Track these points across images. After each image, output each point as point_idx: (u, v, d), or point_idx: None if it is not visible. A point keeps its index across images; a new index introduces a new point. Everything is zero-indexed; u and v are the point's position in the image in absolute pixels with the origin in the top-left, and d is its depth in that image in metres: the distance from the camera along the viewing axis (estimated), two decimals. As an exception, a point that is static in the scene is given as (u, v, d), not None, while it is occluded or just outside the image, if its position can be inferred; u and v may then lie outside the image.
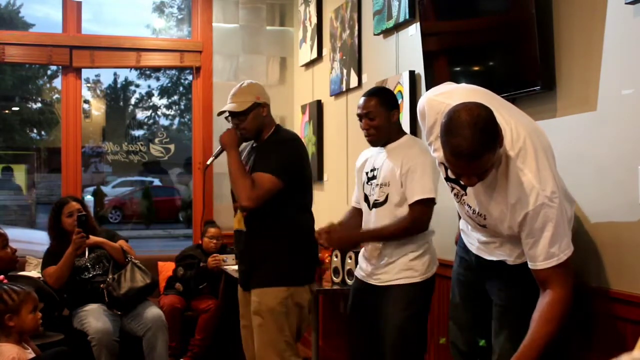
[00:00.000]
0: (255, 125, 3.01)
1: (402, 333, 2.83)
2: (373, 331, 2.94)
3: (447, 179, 2.25)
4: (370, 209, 2.95)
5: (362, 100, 2.96)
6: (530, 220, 2.00)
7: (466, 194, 2.19)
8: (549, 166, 2.03)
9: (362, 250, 3.07)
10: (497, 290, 2.27)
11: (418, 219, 2.80)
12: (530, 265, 2.06)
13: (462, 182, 2.13)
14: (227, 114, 3.02)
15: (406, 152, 2.88)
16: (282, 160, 2.95)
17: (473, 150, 1.88)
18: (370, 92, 2.98)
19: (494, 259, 2.27)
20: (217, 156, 3.15)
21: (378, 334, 2.92)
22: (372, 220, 2.93)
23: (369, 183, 2.97)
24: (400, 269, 2.86)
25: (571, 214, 2.16)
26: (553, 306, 2.00)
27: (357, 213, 3.06)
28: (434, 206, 2.84)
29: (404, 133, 3.03)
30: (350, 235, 2.91)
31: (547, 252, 2.00)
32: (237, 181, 2.91)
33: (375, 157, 2.99)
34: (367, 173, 3.00)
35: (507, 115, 2.08)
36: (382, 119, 2.90)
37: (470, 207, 2.19)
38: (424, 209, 2.80)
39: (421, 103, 2.26)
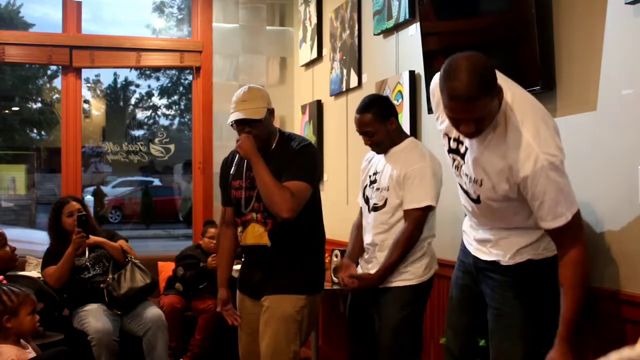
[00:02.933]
0: (267, 132, 2.85)
1: (396, 334, 2.84)
2: (371, 333, 2.95)
3: (449, 150, 2.27)
4: (370, 212, 2.97)
5: (357, 116, 2.92)
6: (531, 184, 2.01)
7: (464, 162, 2.19)
8: (547, 129, 2.03)
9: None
10: (491, 292, 2.27)
11: (415, 228, 2.82)
12: (542, 225, 2.07)
13: (460, 135, 2.15)
14: (232, 122, 2.82)
15: (406, 156, 2.89)
16: (309, 166, 2.85)
17: (469, 92, 1.93)
18: (363, 107, 2.91)
19: (489, 259, 2.27)
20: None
21: (374, 335, 2.93)
22: (371, 222, 2.95)
23: (371, 186, 2.99)
24: (398, 271, 2.87)
25: None
26: (575, 270, 2.03)
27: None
28: (428, 211, 2.85)
29: (406, 136, 3.03)
30: (371, 279, 2.88)
31: (554, 212, 2.02)
32: (274, 192, 2.70)
33: (378, 160, 3.00)
34: (370, 176, 3.01)
35: (511, 85, 2.12)
36: (381, 132, 2.90)
37: (467, 176, 2.19)
38: (418, 217, 2.82)
39: (434, 80, 2.31)
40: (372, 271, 2.94)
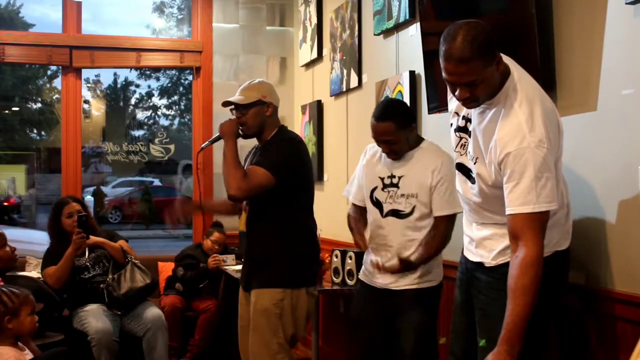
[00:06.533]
0: (255, 122, 3.00)
1: (420, 335, 2.83)
2: (383, 335, 2.92)
3: (457, 129, 2.27)
4: (384, 216, 2.86)
5: (374, 123, 2.77)
6: (511, 162, 2.00)
7: (469, 137, 2.20)
8: (543, 120, 2.02)
9: (371, 253, 2.94)
10: (478, 293, 2.26)
11: (448, 233, 2.79)
12: (507, 211, 2.02)
13: (469, 113, 2.16)
14: (232, 105, 3.03)
15: (435, 161, 2.80)
16: (278, 158, 2.94)
17: (463, 52, 1.97)
18: (384, 115, 2.76)
19: (475, 259, 2.27)
20: (212, 142, 3.16)
21: (389, 337, 2.90)
22: (392, 229, 2.84)
23: (385, 189, 2.87)
24: (421, 273, 2.83)
25: (567, 200, 2.16)
26: (527, 271, 1.95)
27: (362, 212, 2.99)
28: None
29: (421, 138, 2.94)
30: (408, 265, 2.79)
31: (524, 197, 1.98)
32: (229, 170, 2.89)
33: (390, 162, 2.88)
34: (382, 179, 2.89)
35: (523, 72, 2.12)
36: (402, 141, 2.79)
37: (470, 154, 2.19)
38: (451, 222, 2.79)
39: None
40: (386, 278, 2.87)
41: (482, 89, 2.03)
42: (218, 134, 3.04)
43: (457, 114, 2.28)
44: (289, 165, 2.95)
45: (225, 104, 3.04)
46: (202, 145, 3.22)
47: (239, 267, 3.32)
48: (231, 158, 2.91)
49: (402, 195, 2.83)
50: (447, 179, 2.75)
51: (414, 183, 2.81)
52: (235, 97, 3.01)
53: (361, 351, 3.09)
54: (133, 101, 8.62)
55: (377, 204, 2.90)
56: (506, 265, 2.10)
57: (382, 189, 2.88)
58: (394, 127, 2.75)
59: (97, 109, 7.15)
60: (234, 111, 3.05)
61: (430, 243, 2.78)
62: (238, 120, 3.01)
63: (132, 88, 8.57)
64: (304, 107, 5.27)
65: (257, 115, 3.00)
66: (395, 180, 2.85)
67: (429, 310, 2.87)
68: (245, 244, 3.10)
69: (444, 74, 2.05)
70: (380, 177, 2.90)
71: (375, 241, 2.91)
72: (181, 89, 8.42)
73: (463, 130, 2.24)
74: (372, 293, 2.96)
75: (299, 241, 3.04)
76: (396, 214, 2.84)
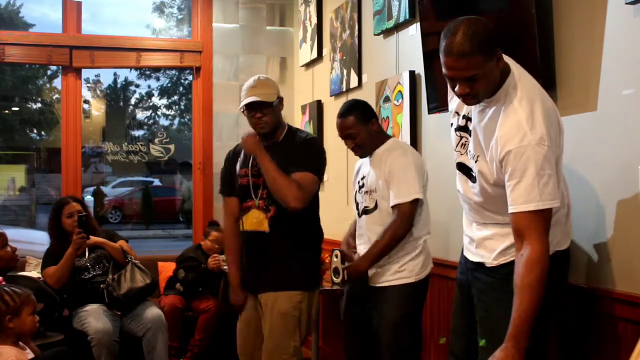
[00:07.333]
0: (275, 119, 2.92)
1: (396, 333, 2.86)
2: (368, 332, 2.96)
3: (457, 128, 2.27)
4: (360, 216, 3.00)
5: (338, 121, 2.99)
6: (513, 159, 2.00)
7: (469, 136, 2.20)
8: (544, 118, 2.02)
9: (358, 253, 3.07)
10: (479, 293, 2.26)
11: (403, 221, 2.82)
12: (510, 210, 2.02)
13: (469, 112, 2.17)
14: (243, 108, 2.91)
15: (387, 156, 2.92)
16: (316, 159, 2.95)
17: (463, 47, 1.97)
18: (344, 112, 2.99)
19: (475, 259, 2.26)
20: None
21: (372, 334, 2.94)
22: (364, 226, 2.98)
23: (360, 191, 3.02)
24: (395, 270, 2.89)
25: (567, 200, 2.17)
26: (533, 268, 1.95)
27: None
28: (417, 205, 2.85)
29: (388, 137, 3.07)
30: (360, 268, 2.89)
31: (527, 195, 1.98)
32: (280, 182, 2.77)
33: (365, 165, 3.04)
34: (358, 182, 3.05)
35: (523, 71, 2.12)
36: (363, 134, 2.94)
37: (471, 152, 2.19)
38: (406, 210, 2.82)
39: None
40: (373, 269, 2.94)
41: (482, 85, 2.03)
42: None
43: (457, 113, 2.28)
44: (323, 165, 2.99)
45: (253, 105, 2.86)
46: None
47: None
48: (274, 170, 2.79)
49: (366, 192, 2.97)
50: (398, 170, 2.84)
51: (372, 179, 2.94)
52: (259, 96, 2.86)
53: (346, 346, 3.13)
54: (133, 101, 8.64)
55: (357, 205, 3.05)
56: (507, 265, 2.10)
57: (358, 191, 3.04)
58: (354, 121, 2.94)
59: (97, 109, 7.16)
60: (245, 111, 2.91)
61: (380, 236, 2.85)
62: (258, 120, 2.88)
63: (132, 88, 8.58)
64: (304, 107, 5.26)
65: (276, 113, 2.94)
66: (364, 181, 3.00)
67: (409, 306, 2.89)
68: (260, 244, 2.95)
69: (444, 70, 2.05)
70: (357, 182, 3.06)
71: (358, 241, 3.03)
72: (181, 89, 8.42)
73: (463, 129, 2.24)
74: (356, 290, 3.02)
75: (314, 243, 3.05)
76: (365, 211, 2.97)
